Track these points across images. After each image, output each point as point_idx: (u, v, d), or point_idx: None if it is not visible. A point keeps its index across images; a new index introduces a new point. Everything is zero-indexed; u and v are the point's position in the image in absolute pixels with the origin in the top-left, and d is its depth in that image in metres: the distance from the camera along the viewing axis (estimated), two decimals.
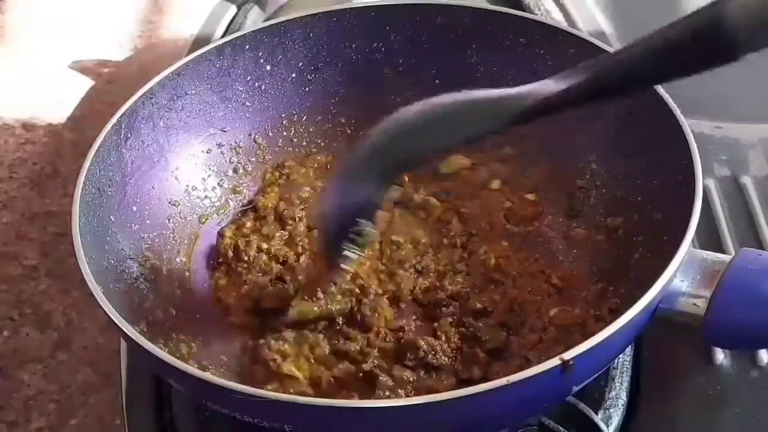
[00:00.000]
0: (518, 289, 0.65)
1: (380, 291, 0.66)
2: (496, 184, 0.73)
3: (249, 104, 0.75)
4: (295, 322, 0.65)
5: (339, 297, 0.65)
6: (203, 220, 0.72)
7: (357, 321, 0.64)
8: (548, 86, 0.51)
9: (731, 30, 0.42)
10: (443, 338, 0.62)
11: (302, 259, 0.69)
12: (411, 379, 0.60)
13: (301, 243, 0.70)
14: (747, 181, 0.75)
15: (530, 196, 0.72)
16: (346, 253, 0.60)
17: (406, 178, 0.74)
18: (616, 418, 0.61)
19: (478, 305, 0.64)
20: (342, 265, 0.62)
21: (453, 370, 0.61)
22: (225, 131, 0.74)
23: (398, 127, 0.55)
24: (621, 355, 0.62)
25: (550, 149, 0.72)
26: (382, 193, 0.59)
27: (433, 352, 0.61)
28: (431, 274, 0.67)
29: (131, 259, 0.64)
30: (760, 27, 0.41)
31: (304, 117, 0.77)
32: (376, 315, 0.64)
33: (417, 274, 0.68)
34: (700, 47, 0.44)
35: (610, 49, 0.67)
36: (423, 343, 0.61)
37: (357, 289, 0.66)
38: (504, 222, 0.71)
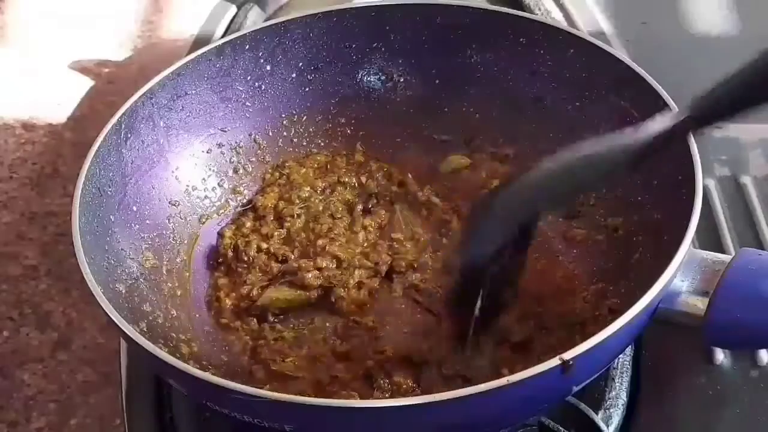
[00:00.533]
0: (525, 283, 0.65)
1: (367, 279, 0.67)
2: (495, 184, 0.73)
3: (249, 104, 0.75)
4: (266, 309, 0.66)
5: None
6: (203, 220, 0.72)
7: (333, 307, 0.65)
8: (662, 122, 0.54)
9: None
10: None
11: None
12: (413, 387, 0.60)
13: (300, 242, 0.70)
14: (747, 181, 0.75)
15: None
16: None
17: (410, 175, 0.74)
18: (616, 418, 0.61)
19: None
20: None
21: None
22: (225, 131, 0.74)
23: (538, 180, 0.58)
24: (621, 355, 0.62)
25: (550, 149, 0.72)
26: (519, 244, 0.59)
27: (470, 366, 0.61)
28: (428, 270, 0.68)
29: (131, 259, 0.64)
30: None
31: (304, 117, 0.77)
32: (350, 300, 0.66)
33: (413, 270, 0.68)
34: None
35: (610, 50, 0.67)
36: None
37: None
38: None
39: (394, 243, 0.70)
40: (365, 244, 0.70)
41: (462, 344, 0.61)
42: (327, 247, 0.68)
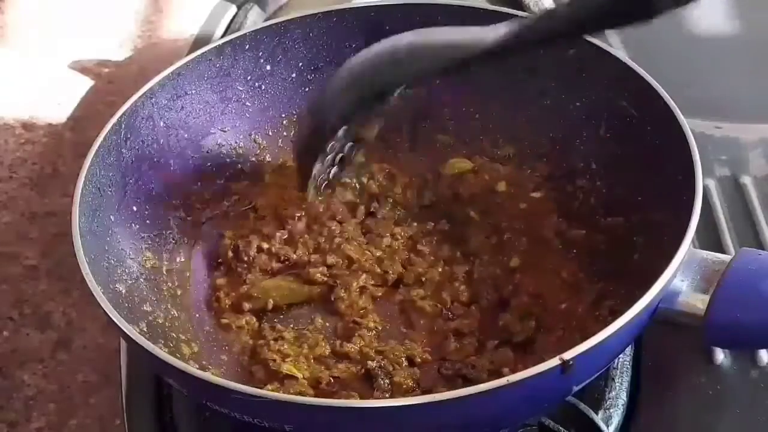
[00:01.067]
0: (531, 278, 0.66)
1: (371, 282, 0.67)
2: (502, 186, 0.73)
3: (249, 104, 0.75)
4: (266, 301, 0.66)
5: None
6: (203, 220, 0.72)
7: (332, 307, 0.66)
8: (502, 29, 0.57)
9: None
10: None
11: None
12: (413, 387, 0.60)
13: (301, 241, 0.70)
14: (747, 181, 0.75)
15: (536, 195, 0.72)
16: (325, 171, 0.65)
17: (413, 179, 0.74)
18: (616, 418, 0.61)
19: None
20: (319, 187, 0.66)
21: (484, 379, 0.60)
22: (225, 131, 0.74)
23: (374, 60, 0.60)
24: (621, 355, 0.62)
25: (550, 149, 0.72)
26: (360, 120, 0.63)
27: (471, 366, 0.61)
28: (432, 285, 0.68)
29: (131, 259, 0.64)
30: None
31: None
32: (350, 302, 0.66)
33: (420, 285, 0.68)
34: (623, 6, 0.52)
35: (610, 50, 0.67)
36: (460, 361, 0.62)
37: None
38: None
39: (413, 255, 0.69)
40: (386, 250, 0.69)
41: (303, 188, 0.66)
42: (342, 246, 0.68)
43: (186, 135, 0.72)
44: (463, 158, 0.74)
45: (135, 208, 0.67)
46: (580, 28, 0.56)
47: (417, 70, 0.60)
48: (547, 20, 0.56)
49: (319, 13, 0.74)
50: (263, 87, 0.75)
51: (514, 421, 0.57)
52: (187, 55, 0.71)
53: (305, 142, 0.65)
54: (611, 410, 0.61)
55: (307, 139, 0.65)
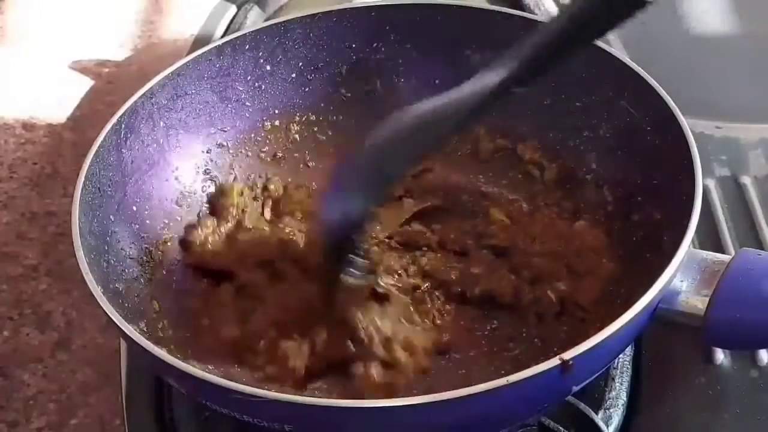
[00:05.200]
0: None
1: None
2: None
3: (249, 104, 0.75)
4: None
5: None
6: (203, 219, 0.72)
7: None
8: (492, 76, 0.53)
9: None
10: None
11: None
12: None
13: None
14: (747, 181, 0.75)
15: None
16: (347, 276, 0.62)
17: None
18: (616, 418, 0.61)
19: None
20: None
21: None
22: (225, 131, 0.74)
23: (379, 145, 0.57)
24: (621, 355, 0.62)
25: (550, 149, 0.72)
26: (371, 211, 0.61)
27: None
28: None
29: (131, 259, 0.64)
30: None
31: (304, 117, 0.77)
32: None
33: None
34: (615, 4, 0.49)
35: (610, 50, 0.67)
36: None
37: None
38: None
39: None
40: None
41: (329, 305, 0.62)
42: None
43: (186, 135, 0.72)
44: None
45: (135, 208, 0.67)
46: (566, 53, 0.52)
47: (433, 138, 0.57)
48: (545, 42, 0.51)
49: (319, 13, 0.74)
50: (263, 87, 0.75)
51: (514, 421, 0.57)
52: (187, 55, 0.71)
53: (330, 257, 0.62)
54: (611, 410, 0.61)
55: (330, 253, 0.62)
